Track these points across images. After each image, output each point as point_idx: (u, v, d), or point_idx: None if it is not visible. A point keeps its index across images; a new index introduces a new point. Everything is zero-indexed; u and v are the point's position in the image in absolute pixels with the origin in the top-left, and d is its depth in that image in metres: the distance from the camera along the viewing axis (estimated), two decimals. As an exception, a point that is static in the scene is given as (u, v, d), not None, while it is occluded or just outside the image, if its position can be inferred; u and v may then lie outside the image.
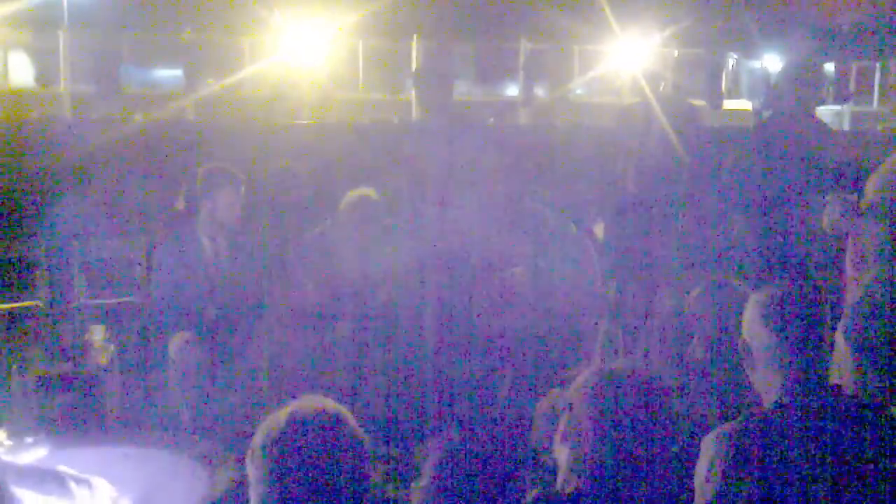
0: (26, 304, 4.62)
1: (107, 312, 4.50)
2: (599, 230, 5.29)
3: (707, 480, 2.05)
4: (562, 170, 6.36)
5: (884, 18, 19.35)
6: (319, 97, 15.75)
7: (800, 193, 4.09)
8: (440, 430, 3.02)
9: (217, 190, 4.35)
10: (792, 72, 4.45)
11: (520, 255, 4.39)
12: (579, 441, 2.09)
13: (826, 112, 17.04)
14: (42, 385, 3.85)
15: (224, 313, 4.36)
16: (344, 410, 1.95)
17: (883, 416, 2.12)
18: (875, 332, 3.22)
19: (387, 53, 18.36)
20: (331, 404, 1.95)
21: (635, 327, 4.32)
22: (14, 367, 3.96)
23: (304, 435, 1.87)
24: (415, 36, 17.11)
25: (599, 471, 2.05)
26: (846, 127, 16.86)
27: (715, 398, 2.78)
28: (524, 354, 4.21)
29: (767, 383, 2.18)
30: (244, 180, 4.43)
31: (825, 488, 1.99)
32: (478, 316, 4.34)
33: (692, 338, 2.94)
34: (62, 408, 3.74)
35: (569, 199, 5.72)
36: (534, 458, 3.11)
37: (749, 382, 2.25)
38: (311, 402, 1.95)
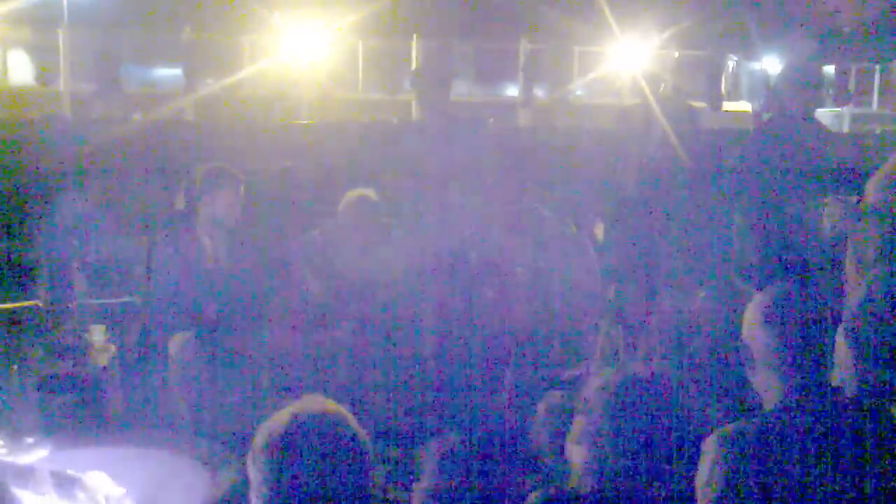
0: (26, 304, 4.62)
1: (107, 312, 4.50)
2: (599, 231, 5.30)
3: (708, 483, 2.05)
4: (561, 171, 6.37)
5: (883, 21, 19.36)
6: (319, 97, 15.76)
7: (800, 195, 4.09)
8: (440, 432, 3.02)
9: (217, 189, 4.35)
10: (792, 74, 4.45)
11: (519, 256, 4.39)
12: (596, 442, 2.11)
13: (826, 114, 17.05)
14: (42, 385, 3.85)
15: (224, 313, 4.36)
16: (345, 411, 1.95)
17: (884, 417, 2.12)
18: (876, 333, 3.22)
19: (386, 53, 18.36)
20: (332, 405, 1.96)
21: (635, 328, 4.32)
22: (14, 367, 3.96)
23: (306, 436, 1.87)
24: (414, 36, 17.12)
25: (616, 471, 2.08)
26: (846, 129, 16.86)
27: (717, 399, 2.78)
28: (524, 356, 4.21)
29: (768, 385, 2.18)
30: (244, 180, 4.43)
31: (827, 490, 1.99)
32: (478, 317, 4.34)
33: (695, 339, 2.95)
34: (62, 408, 3.74)
35: (568, 200, 5.72)
36: (533, 460, 3.11)
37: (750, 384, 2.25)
38: (312, 403, 1.95)
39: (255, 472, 1.90)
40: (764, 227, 4.17)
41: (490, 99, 19.09)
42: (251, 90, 16.12)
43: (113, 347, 4.09)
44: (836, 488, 1.99)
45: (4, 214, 5.83)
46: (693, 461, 2.13)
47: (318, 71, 16.79)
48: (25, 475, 2.64)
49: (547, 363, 4.10)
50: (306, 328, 4.46)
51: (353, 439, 1.91)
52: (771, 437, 2.05)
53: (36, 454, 3.04)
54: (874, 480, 2.00)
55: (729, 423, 2.14)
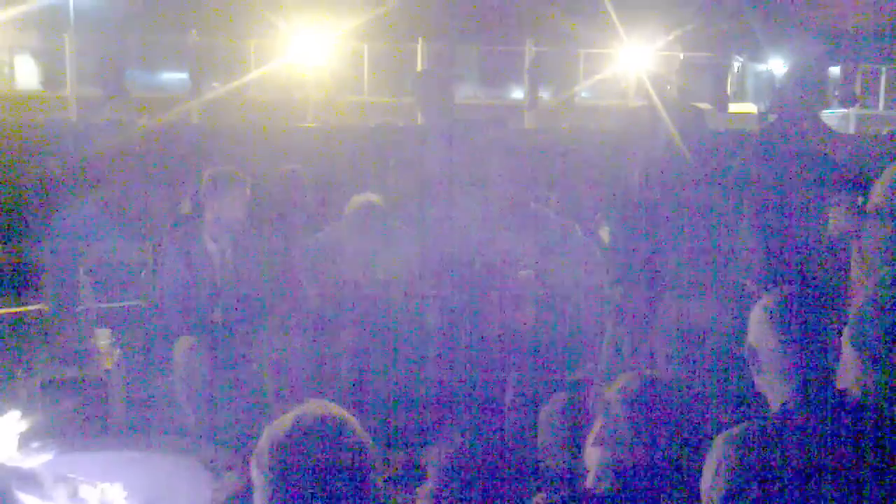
0: (32, 307, 4.62)
1: (112, 316, 4.51)
2: (604, 233, 5.29)
3: (713, 484, 2.05)
4: (566, 172, 6.36)
5: (889, 22, 19.32)
6: (324, 100, 15.78)
7: (805, 197, 4.08)
8: (445, 435, 3.02)
9: (222, 193, 4.36)
10: (797, 75, 4.44)
11: (524, 258, 4.39)
12: (614, 443, 2.14)
13: (832, 115, 17.03)
14: (47, 389, 3.86)
15: (229, 317, 4.36)
16: (348, 415, 1.95)
17: (889, 420, 2.12)
18: (881, 335, 3.21)
19: (391, 57, 18.38)
20: (335, 409, 1.96)
21: (640, 330, 4.31)
22: (19, 371, 3.97)
23: (309, 440, 1.87)
24: (419, 39, 17.14)
25: (632, 472, 2.10)
26: (852, 130, 16.83)
27: (722, 401, 2.78)
28: (529, 358, 4.21)
29: (773, 387, 2.17)
30: (249, 183, 4.43)
31: (831, 492, 1.99)
32: (482, 320, 4.33)
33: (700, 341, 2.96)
34: (67, 412, 3.74)
35: (573, 202, 5.71)
36: (537, 462, 3.11)
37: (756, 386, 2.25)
38: (316, 407, 1.95)
39: (259, 476, 1.90)
40: (769, 229, 4.16)
41: (495, 101, 19.11)
42: (257, 94, 16.15)
43: (118, 351, 4.09)
44: (841, 490, 1.98)
45: (10, 218, 5.85)
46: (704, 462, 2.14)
47: (323, 74, 16.82)
48: (30, 479, 2.64)
49: (551, 366, 4.09)
50: (310, 332, 4.46)
51: (356, 443, 1.91)
52: (776, 439, 2.04)
53: (40, 458, 3.04)
54: (879, 483, 2.00)
55: (734, 424, 2.14)
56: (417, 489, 2.43)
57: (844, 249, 3.63)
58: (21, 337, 4.43)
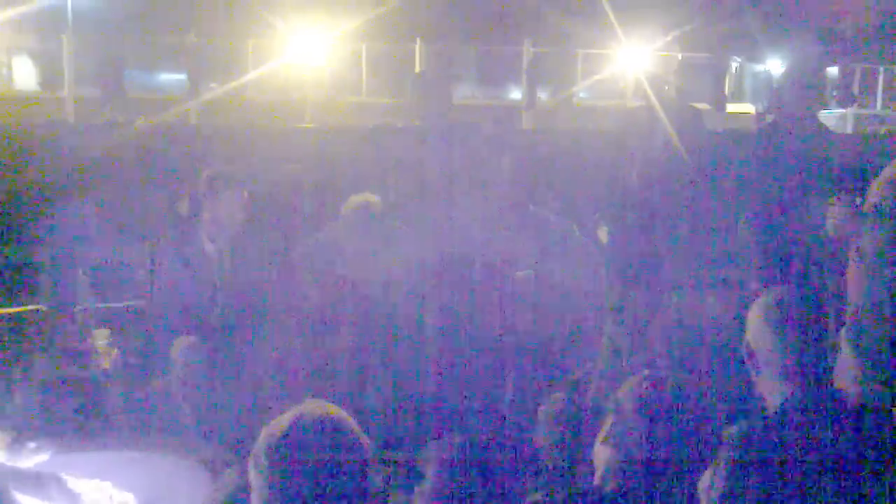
0: (30, 307, 4.62)
1: (110, 316, 4.51)
2: (603, 233, 5.29)
3: (711, 483, 2.05)
4: (565, 173, 6.36)
5: (887, 22, 19.34)
6: (322, 101, 15.77)
7: (803, 197, 4.08)
8: (443, 435, 3.02)
9: (220, 194, 4.36)
10: (795, 75, 4.44)
11: (523, 258, 4.39)
12: (624, 442, 2.15)
13: (829, 115, 17.04)
14: (45, 389, 3.85)
15: (227, 317, 4.36)
16: (346, 415, 1.95)
17: (887, 420, 2.12)
18: (879, 335, 3.21)
19: (390, 57, 18.37)
20: (333, 409, 1.96)
21: (638, 331, 4.32)
22: (18, 371, 3.96)
23: (307, 439, 1.88)
24: (418, 40, 17.13)
25: (641, 471, 2.11)
26: (849, 130, 16.85)
27: (720, 401, 2.78)
28: (527, 358, 4.21)
29: (771, 387, 2.17)
30: (247, 184, 4.43)
31: (829, 492, 1.99)
32: (481, 320, 4.34)
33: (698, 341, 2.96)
34: (65, 412, 3.74)
35: (571, 203, 5.72)
36: (536, 462, 3.11)
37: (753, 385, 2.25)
38: (314, 407, 1.95)
39: (257, 476, 1.90)
40: (767, 229, 4.16)
41: (493, 102, 19.10)
42: (255, 94, 16.14)
43: (116, 351, 4.10)
44: (839, 490, 1.98)
45: (9, 218, 5.85)
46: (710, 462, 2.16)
47: (321, 75, 16.82)
48: (28, 479, 2.64)
49: (550, 366, 4.10)
50: (308, 332, 4.46)
51: (354, 442, 1.91)
52: (774, 439, 2.05)
53: (38, 458, 3.04)
54: (876, 483, 2.00)
55: (732, 424, 2.15)
56: (415, 489, 2.43)
57: (842, 249, 3.63)
58: (19, 337, 4.43)
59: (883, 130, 14.13)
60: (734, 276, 4.17)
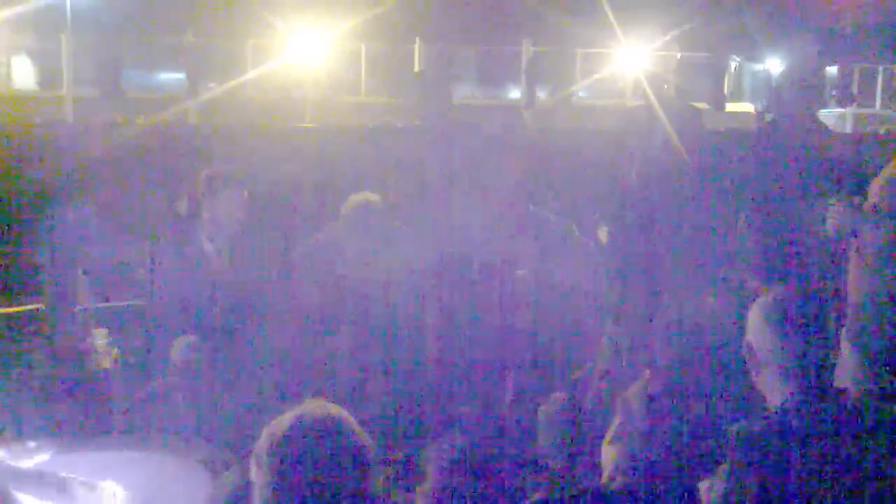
0: (29, 307, 4.61)
1: (110, 316, 4.50)
2: (602, 233, 5.29)
3: (712, 483, 2.06)
4: (564, 172, 6.36)
5: (886, 21, 19.35)
6: (321, 100, 15.78)
7: (803, 196, 4.08)
8: (444, 435, 3.02)
9: (219, 193, 4.36)
10: (794, 74, 4.45)
11: (522, 258, 4.39)
12: (631, 441, 2.17)
13: (829, 115, 17.05)
14: (45, 389, 3.85)
15: (227, 317, 4.35)
16: (347, 415, 1.95)
17: (887, 419, 2.12)
18: (879, 334, 3.22)
19: (389, 57, 18.37)
20: (334, 408, 1.96)
21: (639, 330, 4.31)
22: (17, 370, 3.96)
23: (308, 439, 1.87)
24: (417, 39, 17.13)
25: (650, 469, 2.13)
26: (849, 130, 16.85)
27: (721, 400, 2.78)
28: (527, 358, 4.21)
29: (772, 387, 2.17)
30: (246, 184, 4.43)
31: (830, 492, 1.99)
32: (481, 320, 4.34)
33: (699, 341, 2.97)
34: (65, 412, 3.73)
35: (571, 202, 5.71)
36: (537, 462, 3.11)
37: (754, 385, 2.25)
38: (315, 407, 1.95)
39: (258, 476, 1.90)
40: (767, 229, 4.16)
41: (492, 101, 19.11)
42: (254, 94, 16.14)
43: (115, 351, 4.08)
44: (840, 489, 1.98)
45: (7, 218, 5.84)
46: (716, 461, 2.16)
47: (320, 75, 16.82)
48: (27, 479, 2.64)
49: (550, 367, 4.10)
50: (309, 332, 4.45)
51: (355, 442, 1.91)
52: (774, 438, 2.04)
53: (38, 458, 3.03)
54: (877, 482, 2.00)
55: (733, 423, 2.15)
56: (417, 489, 2.43)
57: (842, 249, 3.64)
58: (19, 336, 4.42)
59: (883, 130, 14.12)
60: (734, 276, 4.17)
